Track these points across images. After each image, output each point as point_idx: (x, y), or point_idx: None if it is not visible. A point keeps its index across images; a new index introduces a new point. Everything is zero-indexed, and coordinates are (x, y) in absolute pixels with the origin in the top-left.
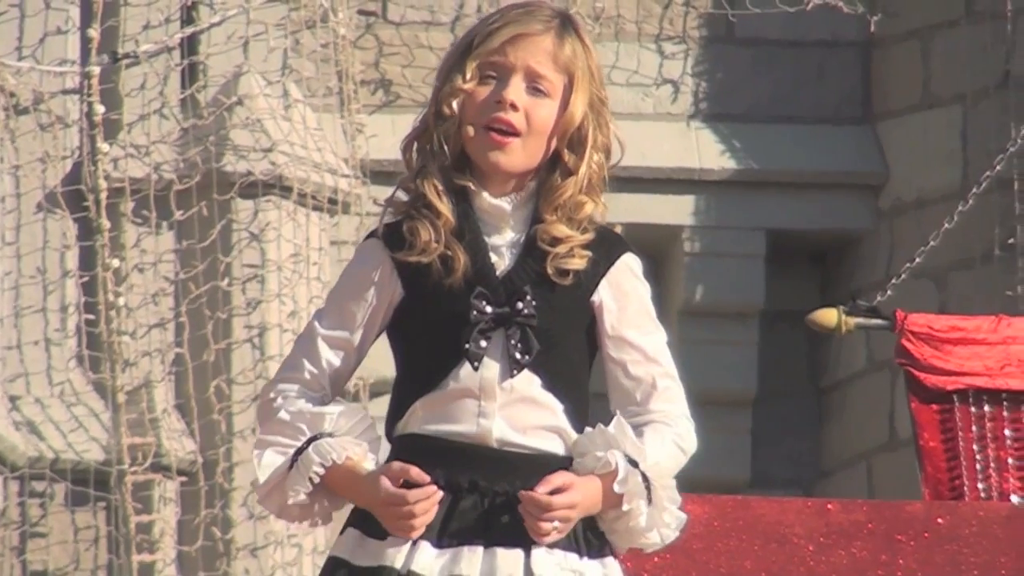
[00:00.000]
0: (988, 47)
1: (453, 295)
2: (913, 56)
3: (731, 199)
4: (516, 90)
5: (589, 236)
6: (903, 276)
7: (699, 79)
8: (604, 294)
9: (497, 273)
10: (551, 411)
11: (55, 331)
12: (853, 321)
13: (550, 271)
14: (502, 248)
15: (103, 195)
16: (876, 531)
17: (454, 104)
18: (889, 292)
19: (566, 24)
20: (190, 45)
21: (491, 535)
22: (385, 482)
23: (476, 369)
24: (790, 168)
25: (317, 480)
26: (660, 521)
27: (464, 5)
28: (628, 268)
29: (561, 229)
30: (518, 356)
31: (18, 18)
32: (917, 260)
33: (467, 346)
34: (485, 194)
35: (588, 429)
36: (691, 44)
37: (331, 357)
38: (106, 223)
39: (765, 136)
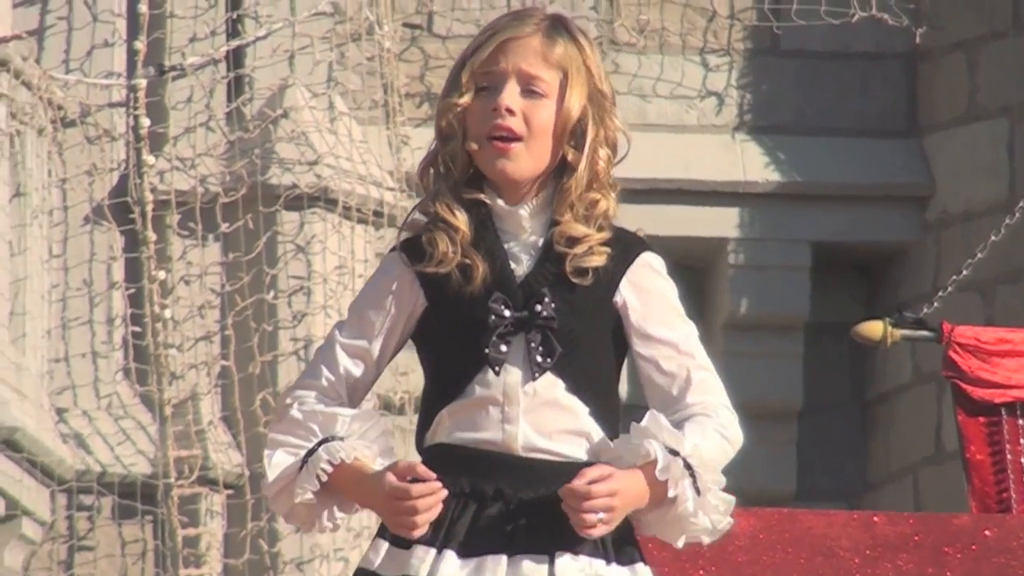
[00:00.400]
0: None
1: (473, 302)
2: (959, 68)
3: (776, 211)
4: (511, 95)
5: (606, 235)
6: (950, 288)
7: (744, 91)
8: (626, 293)
9: (516, 276)
10: (576, 414)
11: (102, 343)
12: (899, 333)
13: (569, 271)
14: (521, 254)
15: (149, 207)
16: (923, 544)
17: (454, 122)
18: (935, 304)
19: (556, 24)
20: (236, 58)
21: (516, 544)
22: (390, 476)
23: (498, 374)
24: (835, 180)
25: (324, 478)
26: (707, 505)
27: None
28: (648, 265)
29: (577, 228)
30: (539, 359)
31: (66, 31)
32: (964, 272)
33: (487, 351)
34: (500, 201)
35: (623, 435)
36: (735, 56)
37: (349, 366)
38: (152, 235)
39: (810, 148)
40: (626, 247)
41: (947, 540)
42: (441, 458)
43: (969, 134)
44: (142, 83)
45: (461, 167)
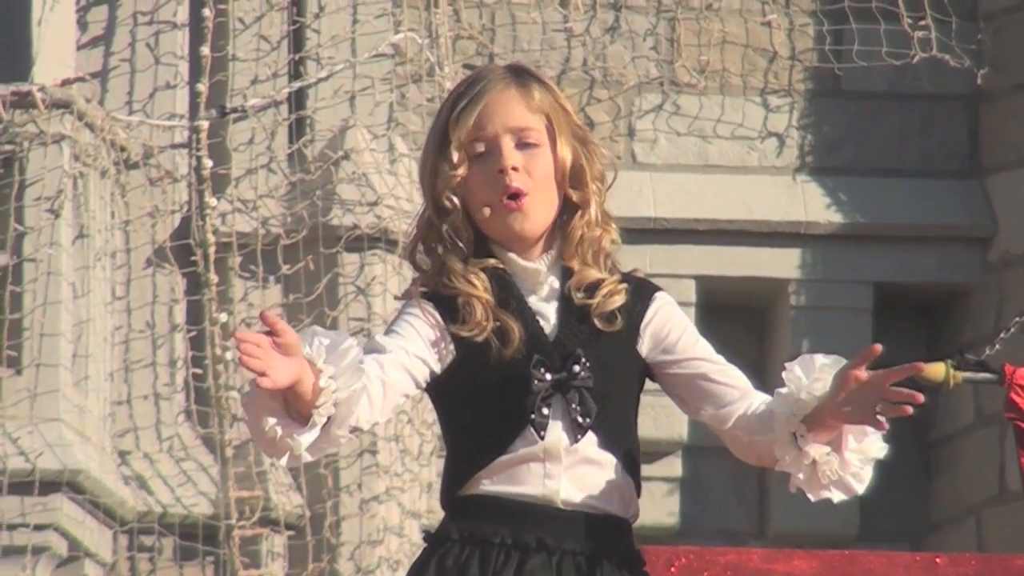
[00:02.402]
0: None
1: (511, 364)
2: (1020, 109)
3: (838, 252)
4: (510, 153)
5: (618, 276)
6: (1012, 330)
7: (805, 132)
8: (652, 336)
9: (547, 334)
10: (609, 468)
11: (164, 386)
12: (961, 375)
13: (596, 320)
14: (545, 309)
15: (211, 249)
16: None
17: (453, 196)
18: (998, 346)
19: (519, 72)
20: (297, 99)
21: None
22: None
23: (543, 439)
24: (897, 221)
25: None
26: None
27: (570, 59)
28: (665, 302)
29: (591, 274)
30: (580, 420)
31: (128, 73)
32: None
33: (532, 417)
34: (518, 258)
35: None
36: (796, 97)
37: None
38: (214, 277)
39: (871, 189)
40: (639, 293)
41: None
42: (477, 509)
43: None
44: (204, 125)
45: (466, 238)
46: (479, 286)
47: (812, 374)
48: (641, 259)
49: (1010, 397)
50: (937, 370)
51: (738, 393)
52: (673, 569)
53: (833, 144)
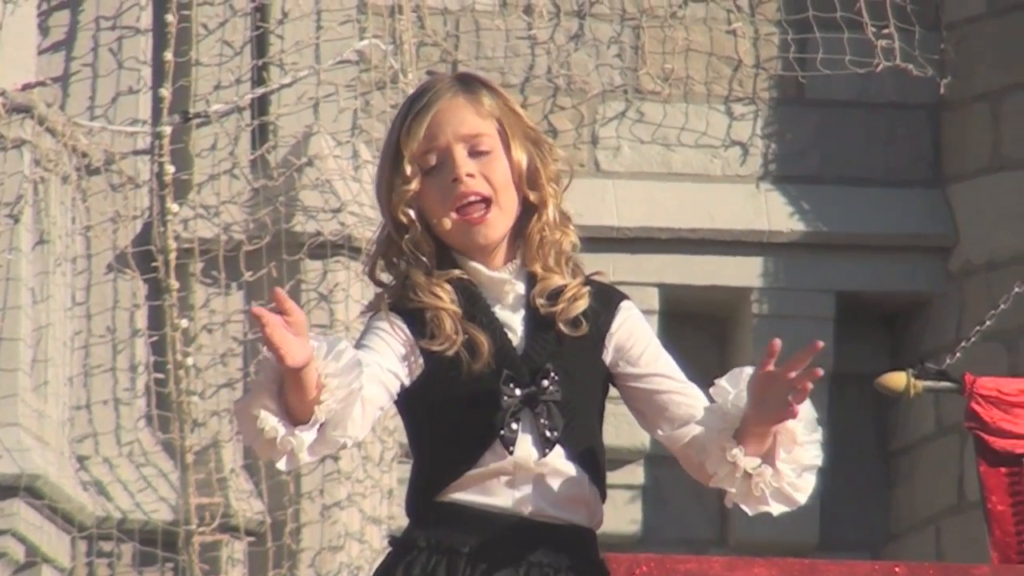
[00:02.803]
0: None
1: (480, 378)
2: (983, 118)
3: (800, 261)
4: (463, 161)
5: (581, 279)
6: (973, 339)
7: (768, 141)
8: (616, 346)
9: (515, 347)
10: (577, 480)
11: (124, 391)
12: (922, 384)
13: (561, 326)
14: (511, 320)
15: (172, 255)
16: None
17: (408, 211)
18: (958, 355)
19: (466, 79)
20: (261, 106)
21: None
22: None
23: (511, 453)
24: (859, 230)
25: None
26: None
27: (534, 67)
28: (632, 313)
29: (554, 280)
30: (548, 434)
31: (91, 78)
32: (987, 323)
33: (502, 432)
34: (483, 268)
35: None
36: (760, 105)
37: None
38: (175, 283)
39: (834, 198)
40: (603, 302)
41: None
42: (446, 517)
43: (993, 184)
44: (167, 130)
45: (428, 250)
46: (445, 299)
47: (738, 386)
48: (604, 267)
49: (971, 407)
50: (898, 380)
51: (696, 413)
52: None
53: (797, 153)
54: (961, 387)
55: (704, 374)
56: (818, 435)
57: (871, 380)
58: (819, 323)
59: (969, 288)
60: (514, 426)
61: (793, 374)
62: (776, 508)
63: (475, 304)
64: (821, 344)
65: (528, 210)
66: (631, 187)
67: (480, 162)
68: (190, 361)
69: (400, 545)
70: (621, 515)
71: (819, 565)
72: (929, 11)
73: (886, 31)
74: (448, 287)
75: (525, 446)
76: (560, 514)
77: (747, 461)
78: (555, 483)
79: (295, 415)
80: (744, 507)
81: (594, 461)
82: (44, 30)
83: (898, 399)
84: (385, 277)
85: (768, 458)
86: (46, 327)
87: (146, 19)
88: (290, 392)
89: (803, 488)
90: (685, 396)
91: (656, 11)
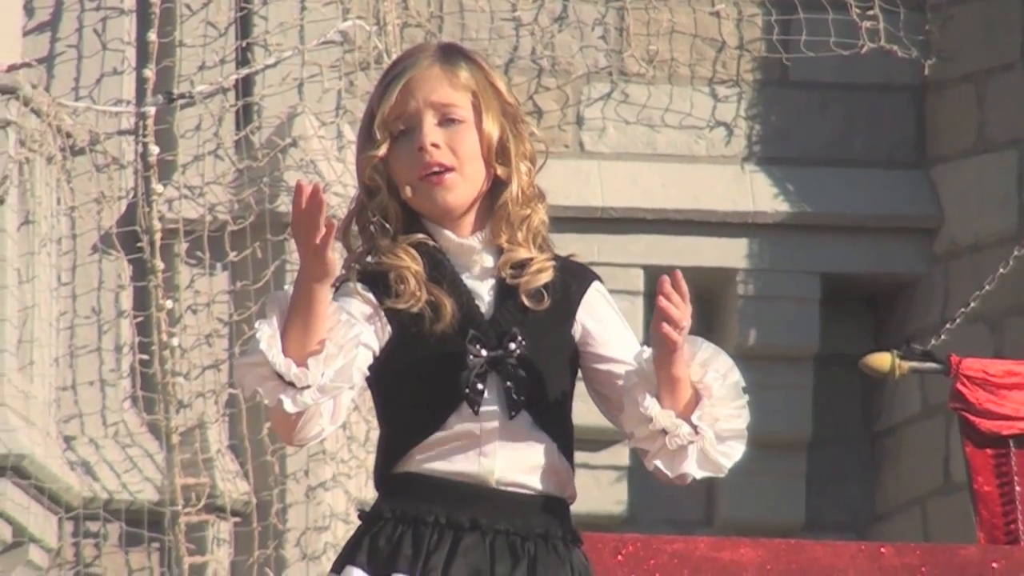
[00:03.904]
0: None
1: (445, 339)
2: (968, 100)
3: (785, 242)
4: (431, 130)
5: (548, 255)
6: (958, 320)
7: (753, 122)
8: (584, 322)
9: (483, 312)
10: (545, 448)
11: (110, 371)
12: (907, 365)
13: (524, 298)
14: (479, 288)
15: (157, 236)
16: (930, 575)
17: (375, 175)
18: (944, 336)
19: (449, 50)
20: (245, 86)
21: (495, 574)
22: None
23: (477, 414)
24: (844, 212)
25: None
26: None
27: (518, 48)
28: (602, 292)
29: (521, 252)
30: (515, 397)
31: (75, 59)
32: (972, 304)
33: (467, 391)
34: (451, 235)
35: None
36: (745, 87)
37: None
38: (160, 264)
39: (819, 179)
40: (575, 277)
41: (954, 571)
42: (411, 487)
43: (978, 166)
44: (151, 111)
45: (395, 217)
46: (408, 260)
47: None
48: (589, 248)
49: (956, 387)
50: (883, 360)
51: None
52: (620, 557)
53: (781, 134)
54: (947, 368)
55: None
56: (742, 402)
57: (856, 361)
58: (804, 304)
59: (954, 269)
60: (479, 387)
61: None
62: (698, 472)
63: (440, 269)
64: (678, 273)
65: (498, 185)
66: (616, 168)
67: (448, 131)
68: (175, 342)
69: (368, 517)
70: (607, 495)
71: (805, 546)
72: None
73: (871, 12)
74: (413, 251)
75: (491, 408)
76: (529, 482)
77: (662, 414)
78: (522, 449)
79: (296, 352)
80: (665, 469)
81: (563, 433)
82: (29, 11)
83: (883, 380)
84: (357, 243)
85: (685, 414)
86: (32, 307)
87: (130, 0)
88: (299, 319)
89: (728, 454)
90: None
91: None
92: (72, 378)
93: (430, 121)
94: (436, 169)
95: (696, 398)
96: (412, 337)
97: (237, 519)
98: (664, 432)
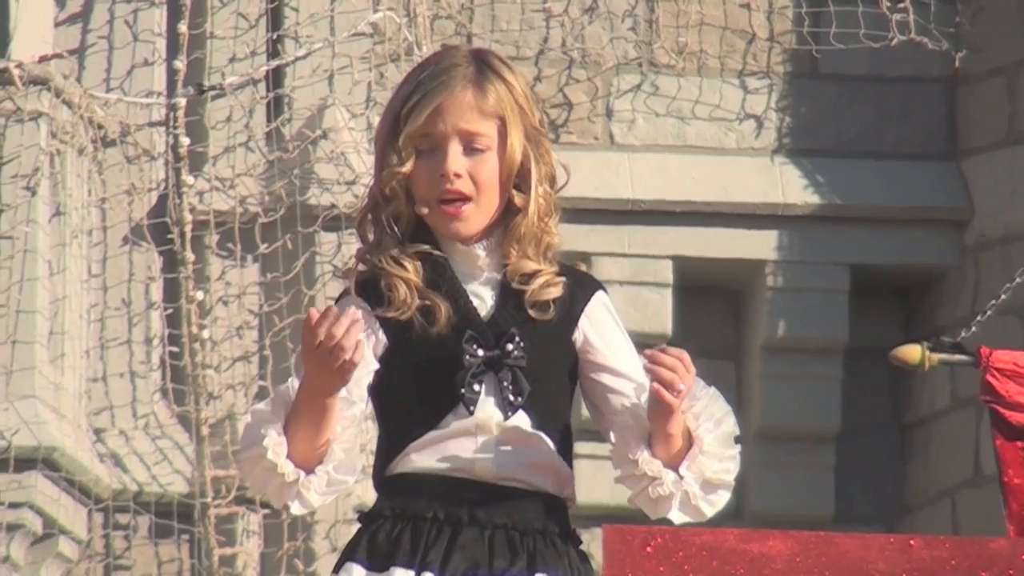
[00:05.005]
0: None
1: (441, 341)
2: (999, 92)
3: (815, 234)
4: (455, 159)
5: (556, 268)
6: (988, 313)
7: (783, 114)
8: (586, 331)
9: (482, 316)
10: (542, 448)
11: (140, 363)
12: (937, 357)
13: (529, 308)
14: (482, 293)
15: (188, 228)
16: (959, 568)
17: (396, 187)
18: (974, 328)
19: (481, 68)
20: (275, 78)
21: (494, 567)
22: (309, 318)
23: (472, 413)
24: (874, 203)
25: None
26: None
27: (548, 39)
28: (603, 304)
29: (529, 264)
30: (511, 398)
31: (106, 50)
32: (1003, 297)
33: (462, 391)
34: (458, 244)
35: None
36: (775, 79)
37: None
38: (191, 256)
39: (849, 171)
40: (580, 285)
41: (983, 564)
42: (409, 485)
43: (1008, 158)
44: (182, 102)
45: (405, 225)
46: (409, 269)
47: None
48: (618, 239)
49: (987, 379)
50: (913, 352)
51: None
52: (649, 549)
53: (811, 126)
54: (976, 360)
55: (718, 347)
56: (734, 452)
57: (885, 353)
58: (833, 296)
59: (984, 262)
60: (476, 387)
61: (648, 363)
62: (679, 517)
63: (441, 275)
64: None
65: (514, 210)
66: (645, 160)
67: (472, 160)
68: (205, 334)
69: (367, 517)
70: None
71: (834, 538)
72: None
73: (901, 4)
74: (416, 262)
75: (487, 408)
76: (527, 478)
77: (650, 463)
78: (519, 448)
79: (300, 456)
80: (647, 512)
81: (561, 435)
82: (60, 3)
83: (913, 372)
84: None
85: (674, 462)
86: (63, 299)
87: None
88: (310, 426)
89: (713, 502)
90: (636, 409)
91: None
92: (103, 370)
93: (455, 148)
94: (455, 198)
95: (687, 446)
96: (407, 342)
97: (267, 511)
98: (650, 479)
